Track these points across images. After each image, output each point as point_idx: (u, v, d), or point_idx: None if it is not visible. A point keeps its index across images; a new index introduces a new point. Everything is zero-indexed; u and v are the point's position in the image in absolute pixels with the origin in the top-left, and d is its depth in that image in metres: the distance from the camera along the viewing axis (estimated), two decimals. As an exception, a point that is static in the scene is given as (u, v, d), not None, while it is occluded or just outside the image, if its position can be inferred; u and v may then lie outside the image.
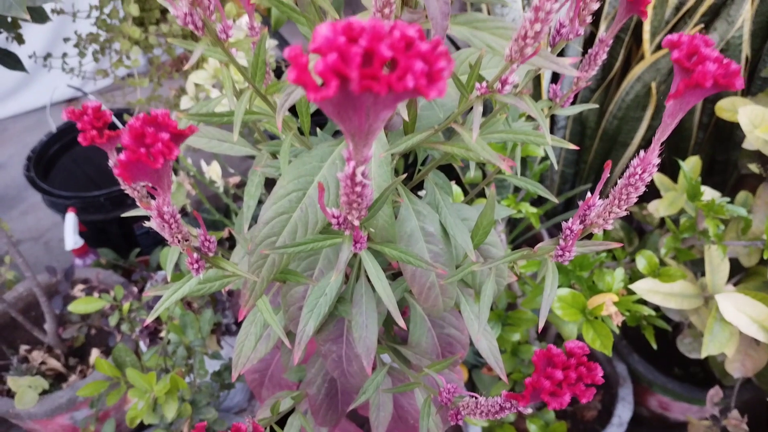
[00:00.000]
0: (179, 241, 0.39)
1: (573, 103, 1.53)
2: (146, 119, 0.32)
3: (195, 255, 0.42)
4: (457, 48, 1.34)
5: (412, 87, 0.20)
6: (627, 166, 0.41)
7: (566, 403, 0.36)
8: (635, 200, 0.39)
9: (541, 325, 0.45)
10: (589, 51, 0.53)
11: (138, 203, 0.42)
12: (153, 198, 0.37)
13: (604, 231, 1.29)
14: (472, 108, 0.44)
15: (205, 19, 0.40)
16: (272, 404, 0.68)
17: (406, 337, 0.73)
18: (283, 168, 0.47)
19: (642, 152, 0.37)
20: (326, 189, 0.46)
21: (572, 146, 0.48)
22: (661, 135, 0.34)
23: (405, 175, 0.40)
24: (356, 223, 0.36)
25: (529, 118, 0.63)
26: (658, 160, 0.37)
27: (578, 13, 0.42)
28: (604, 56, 0.54)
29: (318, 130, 0.61)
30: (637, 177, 0.37)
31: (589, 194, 0.42)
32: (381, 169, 0.46)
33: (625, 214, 0.40)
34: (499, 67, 0.43)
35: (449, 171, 1.52)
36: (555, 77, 1.41)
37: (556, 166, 0.58)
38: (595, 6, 0.41)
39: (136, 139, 0.31)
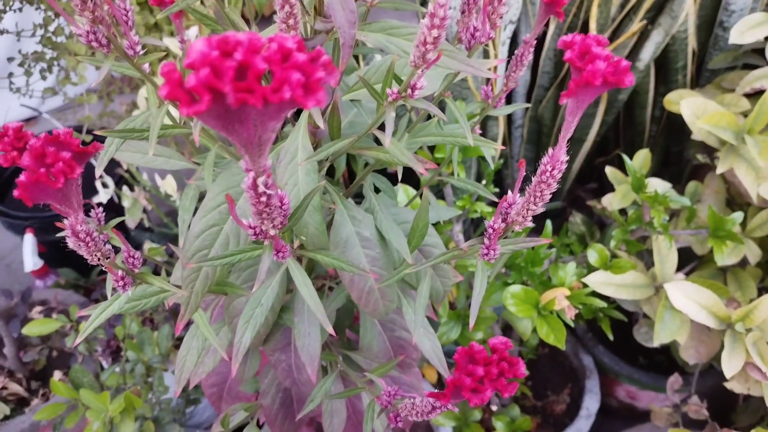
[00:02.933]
0: (99, 259, 0.39)
1: (528, 101, 1.55)
2: (47, 139, 0.32)
3: (119, 272, 0.42)
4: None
5: (288, 98, 0.21)
6: (545, 159, 0.41)
7: (487, 399, 0.36)
8: (549, 197, 0.40)
9: (472, 322, 0.45)
10: (515, 52, 0.54)
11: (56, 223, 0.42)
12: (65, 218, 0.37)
13: (565, 224, 1.30)
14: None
15: (109, 36, 0.40)
16: (222, 418, 0.68)
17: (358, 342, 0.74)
18: (208, 180, 0.47)
19: (550, 150, 0.38)
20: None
21: (497, 146, 0.49)
22: (565, 133, 0.35)
23: (323, 183, 0.41)
24: (272, 232, 0.36)
25: (489, 118, 0.64)
26: (566, 158, 0.37)
27: (488, 17, 0.42)
28: (530, 57, 0.55)
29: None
30: (548, 174, 0.38)
31: (508, 193, 0.42)
32: (308, 176, 0.47)
33: (542, 210, 0.41)
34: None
35: (411, 175, 1.53)
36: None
37: (491, 165, 0.59)
38: (503, 10, 0.42)
39: (36, 159, 0.31)
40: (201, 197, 0.62)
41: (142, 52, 0.43)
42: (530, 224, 0.43)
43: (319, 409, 0.78)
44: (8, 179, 1.75)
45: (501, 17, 0.43)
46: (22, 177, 0.30)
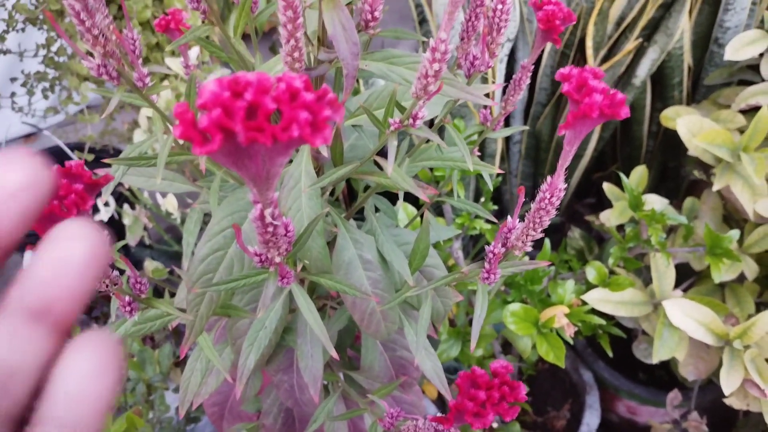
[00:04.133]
0: (107, 286, 0.40)
1: (526, 119, 1.56)
2: (60, 171, 0.33)
3: (126, 298, 0.42)
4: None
5: (297, 136, 0.21)
6: (544, 185, 0.42)
7: (489, 423, 0.37)
8: (548, 223, 0.41)
9: (473, 345, 0.46)
10: (513, 77, 0.55)
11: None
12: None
13: (563, 240, 1.31)
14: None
15: (119, 69, 0.41)
16: (226, 438, 0.69)
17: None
18: (213, 205, 0.48)
19: (549, 178, 0.38)
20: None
21: (495, 169, 0.50)
22: (563, 161, 0.36)
23: (327, 210, 0.41)
24: (278, 260, 0.36)
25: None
26: (564, 185, 0.38)
27: (487, 47, 0.43)
28: (527, 81, 0.56)
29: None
30: (546, 201, 0.39)
31: (508, 218, 0.43)
32: (311, 201, 0.47)
33: (541, 236, 0.42)
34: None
35: (406, 194, 1.54)
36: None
37: (490, 185, 0.60)
38: (502, 40, 0.43)
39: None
40: (205, 219, 0.63)
41: (150, 84, 0.44)
42: (529, 249, 0.43)
43: (321, 429, 0.79)
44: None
45: (500, 46, 0.44)
46: (34, 209, 0.31)
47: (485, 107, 0.57)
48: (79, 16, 0.36)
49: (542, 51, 1.49)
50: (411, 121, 0.40)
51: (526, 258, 1.09)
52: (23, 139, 2.23)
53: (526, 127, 0.57)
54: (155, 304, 0.44)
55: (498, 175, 1.48)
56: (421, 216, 0.78)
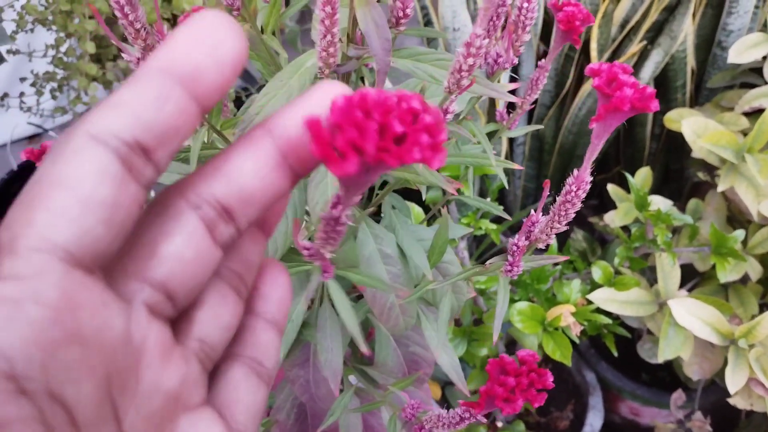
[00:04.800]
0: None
1: (530, 120, 1.57)
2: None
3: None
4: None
5: (419, 158, 0.22)
6: (569, 179, 0.43)
7: (519, 408, 0.38)
8: (573, 215, 0.42)
9: (495, 338, 0.47)
10: (531, 76, 0.56)
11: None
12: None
13: (567, 241, 1.32)
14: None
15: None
16: None
17: (374, 357, 0.75)
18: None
19: (575, 171, 0.39)
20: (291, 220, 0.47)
21: (517, 166, 0.51)
22: (591, 155, 0.37)
23: (368, 207, 0.42)
24: (329, 255, 0.37)
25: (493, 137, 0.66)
26: (590, 178, 0.39)
27: (512, 45, 0.44)
28: (545, 81, 0.57)
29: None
30: (573, 194, 0.40)
31: (532, 212, 0.44)
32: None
33: (565, 228, 0.43)
34: (442, 94, 0.45)
35: (411, 191, 1.55)
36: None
37: (507, 185, 0.61)
38: (527, 38, 0.44)
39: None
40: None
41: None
42: (552, 242, 0.44)
43: (333, 426, 0.79)
44: (13, 195, 1.76)
45: (523, 44, 0.45)
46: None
47: (494, 102, 0.58)
48: (123, 10, 0.37)
49: (546, 53, 1.50)
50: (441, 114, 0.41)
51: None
52: (27, 140, 2.24)
53: (541, 126, 0.58)
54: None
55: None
56: (433, 214, 0.79)
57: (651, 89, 0.33)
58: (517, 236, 0.45)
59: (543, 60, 0.54)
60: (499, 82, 0.50)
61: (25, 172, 1.75)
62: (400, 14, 0.42)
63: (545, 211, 0.45)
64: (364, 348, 0.43)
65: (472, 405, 0.40)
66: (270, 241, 0.51)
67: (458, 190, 1.01)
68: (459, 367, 0.59)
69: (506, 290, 0.47)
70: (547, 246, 1.09)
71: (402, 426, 0.57)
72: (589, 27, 1.43)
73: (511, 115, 0.61)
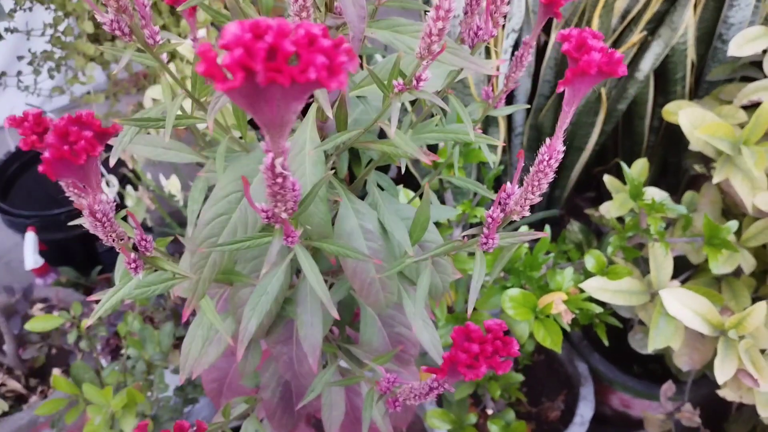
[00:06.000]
0: (114, 240, 0.40)
1: (528, 111, 1.57)
2: (71, 119, 0.34)
3: (132, 255, 0.43)
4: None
5: (314, 78, 0.22)
6: (543, 149, 0.43)
7: (481, 375, 0.38)
8: (546, 186, 0.42)
9: (470, 311, 0.47)
10: (516, 53, 0.56)
11: (74, 204, 0.43)
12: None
13: (562, 232, 1.31)
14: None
15: (132, 26, 0.41)
16: (223, 408, 0.69)
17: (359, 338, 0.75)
18: (219, 171, 0.49)
19: (548, 140, 0.39)
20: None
21: (497, 142, 0.51)
22: (562, 123, 0.37)
23: (333, 171, 0.42)
24: (284, 216, 0.37)
25: (486, 120, 0.66)
26: (563, 147, 0.39)
27: (491, 15, 0.44)
28: (529, 58, 0.56)
29: (255, 134, 0.63)
30: (545, 164, 0.40)
31: (507, 184, 0.44)
32: (315, 168, 0.48)
33: (539, 200, 0.43)
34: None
35: (411, 179, 1.55)
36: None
37: (492, 165, 0.61)
38: (506, 9, 0.44)
39: (61, 137, 0.32)
40: (209, 191, 0.64)
41: (161, 42, 0.45)
42: (527, 213, 0.44)
43: (317, 405, 0.79)
44: (10, 177, 1.76)
45: (504, 16, 0.44)
46: (46, 153, 0.32)
47: (488, 83, 0.58)
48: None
49: (546, 44, 1.49)
50: (415, 82, 0.41)
51: (526, 245, 1.10)
52: (42, 110, 2.24)
53: (528, 106, 0.58)
54: (160, 263, 0.45)
55: (499, 163, 1.49)
56: (421, 194, 0.79)
57: (619, 54, 0.33)
58: (492, 208, 0.44)
59: (527, 37, 0.54)
60: (480, 56, 0.49)
61: (23, 152, 1.75)
62: (377, -18, 0.42)
63: (521, 183, 0.44)
64: (334, 313, 0.43)
65: (435, 370, 0.40)
66: (246, 214, 0.51)
67: (448, 172, 1.01)
68: (439, 345, 0.59)
69: (482, 262, 0.47)
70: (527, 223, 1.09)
71: (378, 398, 0.57)
72: (590, 17, 1.43)
73: (497, 94, 0.60)
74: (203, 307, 0.52)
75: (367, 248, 0.56)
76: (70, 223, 0.55)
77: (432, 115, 0.60)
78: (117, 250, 0.42)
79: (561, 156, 0.39)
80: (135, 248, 0.45)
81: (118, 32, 0.41)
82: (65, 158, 0.32)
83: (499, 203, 0.44)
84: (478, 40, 0.46)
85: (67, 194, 0.51)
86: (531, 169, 0.41)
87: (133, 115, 1.26)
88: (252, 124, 0.56)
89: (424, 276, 0.52)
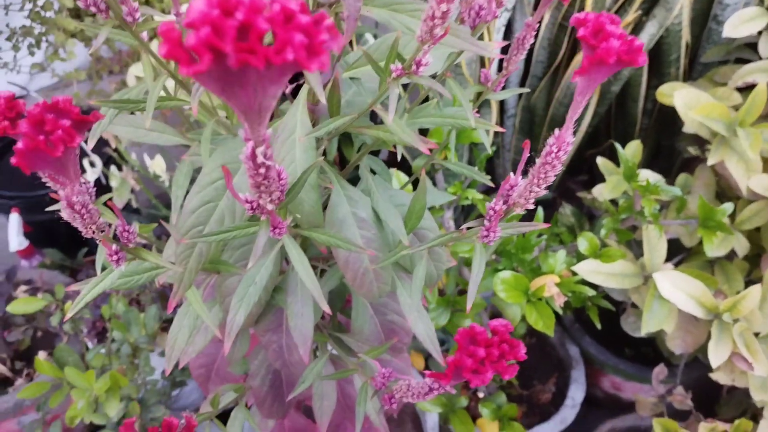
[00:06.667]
0: (94, 232, 0.38)
1: (521, 94, 1.54)
2: (46, 106, 0.31)
3: (114, 246, 0.41)
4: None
5: (291, 60, 0.20)
6: (550, 139, 0.41)
7: (487, 381, 0.36)
8: (552, 178, 0.40)
9: (469, 305, 0.45)
10: (516, 35, 0.54)
11: (52, 194, 0.41)
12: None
13: (555, 215, 1.30)
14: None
15: (109, 1, 0.39)
16: (212, 398, 0.68)
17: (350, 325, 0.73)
18: (204, 155, 0.47)
19: (557, 130, 0.37)
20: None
21: (497, 128, 0.49)
22: (573, 113, 0.35)
23: (323, 158, 0.40)
24: (270, 207, 0.35)
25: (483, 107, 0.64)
26: (572, 138, 0.37)
27: (493, -6, 0.42)
28: (531, 40, 0.54)
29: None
30: (553, 155, 0.38)
31: (511, 175, 0.42)
32: (306, 154, 0.46)
33: (544, 193, 0.41)
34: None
35: (403, 162, 1.53)
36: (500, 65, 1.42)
37: (489, 150, 0.58)
38: (509, -14, 0.41)
39: (35, 126, 0.30)
40: (194, 175, 0.61)
41: (140, 19, 0.43)
42: (531, 206, 0.42)
43: (308, 393, 0.78)
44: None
45: (506, -4, 0.42)
46: (19, 144, 0.29)
47: (484, 66, 0.56)
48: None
49: (539, 24, 1.47)
50: (414, 67, 0.39)
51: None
52: (13, 93, 2.18)
53: (526, 90, 0.56)
54: (143, 255, 0.43)
55: (492, 145, 1.47)
56: (416, 181, 0.77)
57: (639, 41, 0.31)
58: (494, 200, 0.42)
59: (530, 18, 0.51)
60: (481, 38, 0.47)
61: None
62: (374, -42, 0.39)
63: (525, 174, 0.42)
64: (325, 307, 0.41)
65: (439, 376, 0.39)
66: (233, 201, 0.49)
67: (444, 159, 0.99)
68: (434, 336, 0.57)
69: (482, 256, 0.45)
70: (531, 216, 1.07)
71: (372, 394, 0.56)
72: (584, -5, 1.40)
73: (496, 76, 0.58)
74: (189, 297, 0.50)
75: (361, 237, 0.54)
76: (47, 209, 0.53)
77: (427, 98, 0.58)
78: (97, 242, 0.40)
79: (569, 148, 0.37)
80: (116, 238, 0.43)
81: (93, 8, 0.38)
82: (40, 149, 0.29)
83: (502, 195, 0.42)
84: (480, 20, 0.44)
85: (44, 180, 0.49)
86: (536, 159, 0.39)
87: (116, 93, 1.22)
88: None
89: (420, 267, 0.51)
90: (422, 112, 0.53)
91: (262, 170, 0.29)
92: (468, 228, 0.46)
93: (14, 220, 1.53)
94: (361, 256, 0.54)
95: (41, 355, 1.35)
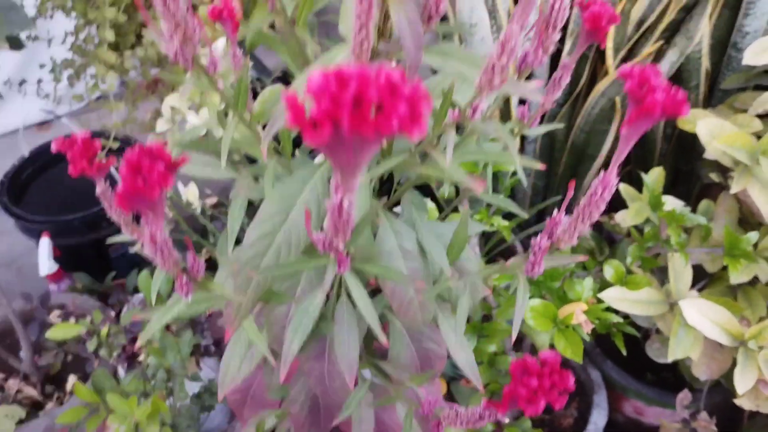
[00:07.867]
0: (170, 266, 0.41)
1: (542, 118, 1.57)
2: (141, 151, 0.34)
3: (184, 278, 0.44)
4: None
5: (396, 128, 0.23)
6: (593, 180, 0.43)
7: (542, 409, 0.38)
8: (597, 217, 0.42)
9: (514, 336, 0.47)
10: (554, 75, 0.56)
11: (124, 230, 0.44)
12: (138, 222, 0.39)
13: (579, 241, 1.32)
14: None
15: (195, 57, 0.42)
16: (257, 423, 0.70)
17: (386, 352, 0.75)
18: (268, 192, 0.49)
19: (602, 173, 0.40)
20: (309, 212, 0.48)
21: (540, 166, 0.51)
22: (618, 158, 0.37)
23: (387, 199, 0.43)
24: (341, 247, 0.38)
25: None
26: (616, 180, 0.39)
27: (541, 44, 0.45)
28: (568, 79, 0.57)
29: (297, 152, 0.63)
30: (598, 197, 0.40)
31: (556, 212, 0.45)
32: (360, 192, 0.49)
33: (588, 230, 0.43)
34: (469, 90, 0.45)
35: (424, 186, 1.55)
36: (522, 99, 1.45)
37: (525, 183, 0.61)
38: (557, 37, 0.44)
39: (133, 170, 0.33)
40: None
41: (221, 70, 0.46)
42: (575, 242, 0.45)
43: (345, 418, 0.80)
44: (24, 183, 1.77)
45: (553, 44, 0.45)
46: (120, 188, 0.32)
47: (522, 103, 0.59)
48: (165, 2, 0.37)
49: (560, 52, 1.50)
50: (470, 112, 0.42)
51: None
52: (36, 127, 2.23)
53: (560, 125, 0.58)
54: (210, 287, 0.46)
55: (512, 173, 1.49)
56: (448, 212, 0.80)
57: (682, 93, 0.33)
58: (539, 236, 0.45)
59: (566, 60, 0.54)
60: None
61: (37, 157, 1.76)
62: (433, 11, 0.42)
63: (568, 211, 0.45)
64: (383, 338, 0.43)
65: (496, 405, 0.41)
66: (290, 234, 0.51)
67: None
68: (475, 366, 0.59)
69: (526, 290, 0.48)
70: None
71: (418, 422, 0.58)
72: (604, 26, 1.43)
73: (531, 113, 0.61)
74: (246, 326, 0.53)
75: (406, 268, 0.56)
76: (111, 240, 0.56)
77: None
78: (172, 276, 0.43)
79: (613, 190, 0.40)
80: (185, 270, 0.46)
81: (181, 62, 0.41)
82: (139, 192, 0.32)
83: (547, 232, 0.44)
84: (526, 66, 0.47)
85: (110, 216, 0.52)
86: (571, 198, 0.41)
87: (151, 122, 1.26)
88: (294, 143, 0.56)
89: (463, 299, 0.53)
90: (465, 149, 0.56)
91: (344, 216, 0.31)
92: (513, 261, 0.49)
93: (45, 244, 1.56)
94: (407, 286, 0.56)
95: (71, 380, 1.37)
